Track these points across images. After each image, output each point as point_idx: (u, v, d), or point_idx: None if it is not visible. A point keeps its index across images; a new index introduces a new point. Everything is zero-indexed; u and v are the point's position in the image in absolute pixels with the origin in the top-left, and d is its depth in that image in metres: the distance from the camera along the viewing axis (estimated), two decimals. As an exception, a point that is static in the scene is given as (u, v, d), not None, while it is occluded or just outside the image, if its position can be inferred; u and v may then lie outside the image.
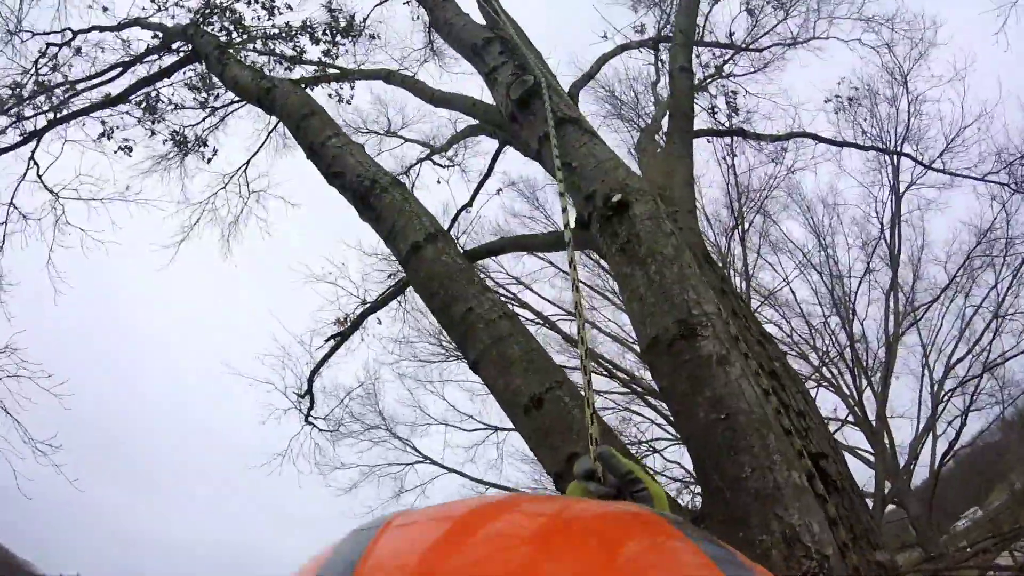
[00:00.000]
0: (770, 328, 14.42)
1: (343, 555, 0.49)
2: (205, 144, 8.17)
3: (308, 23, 8.01)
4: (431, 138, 9.72)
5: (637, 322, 2.08)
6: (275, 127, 8.05)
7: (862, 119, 12.64)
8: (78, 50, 7.04)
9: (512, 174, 14.73)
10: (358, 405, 13.71)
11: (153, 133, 7.81)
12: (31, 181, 6.93)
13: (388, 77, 7.53)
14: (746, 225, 14.26)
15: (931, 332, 14.01)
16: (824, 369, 14.27)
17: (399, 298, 9.08)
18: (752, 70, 9.74)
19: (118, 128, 7.52)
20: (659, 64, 9.06)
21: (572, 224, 2.11)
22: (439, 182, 9.43)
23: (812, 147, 11.79)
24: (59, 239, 7.36)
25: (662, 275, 2.03)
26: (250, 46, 7.66)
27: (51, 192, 7.13)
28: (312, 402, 9.30)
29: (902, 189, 13.65)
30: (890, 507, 12.94)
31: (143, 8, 7.10)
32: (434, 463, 14.57)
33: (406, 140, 9.96)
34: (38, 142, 6.67)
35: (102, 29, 7.03)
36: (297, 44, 7.99)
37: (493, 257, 12.96)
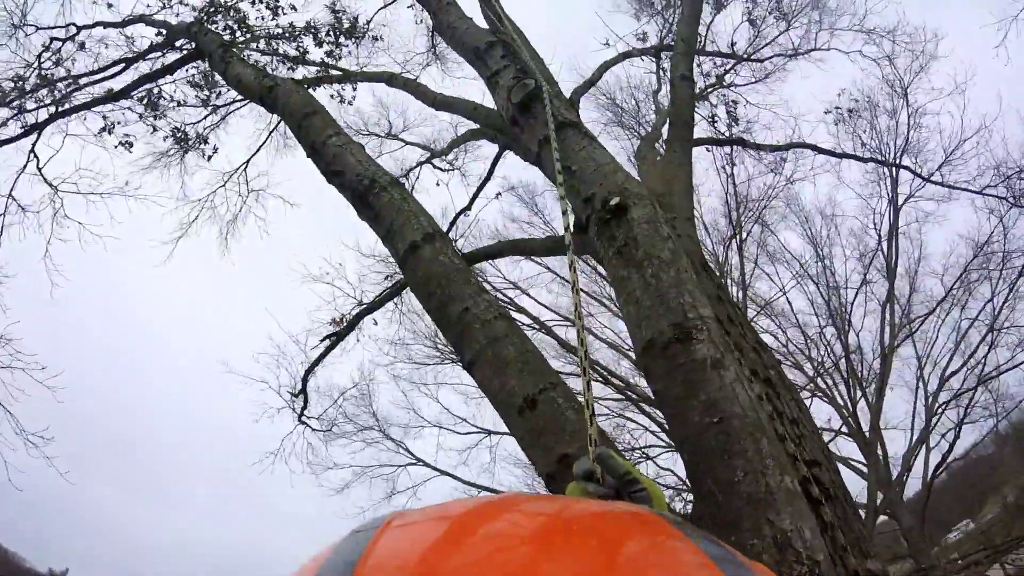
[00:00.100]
0: (766, 338, 14.42)
1: (343, 555, 0.49)
2: (206, 142, 8.17)
3: (312, 24, 8.03)
4: (432, 142, 9.75)
5: (632, 325, 2.09)
6: (276, 126, 8.06)
7: (862, 131, 12.70)
8: (82, 45, 7.05)
9: (512, 179, 14.79)
10: (352, 406, 13.71)
11: (155, 129, 7.82)
12: (31, 174, 6.93)
13: (390, 80, 7.55)
14: (744, 234, 14.31)
15: (926, 344, 14.08)
16: (819, 379, 14.29)
17: (396, 300, 9.09)
18: (753, 80, 9.79)
19: (119, 123, 7.53)
20: (660, 73, 9.10)
21: (572, 227, 2.12)
22: (438, 185, 9.45)
23: (811, 158, 11.85)
24: (57, 232, 7.36)
25: (658, 278, 2.05)
26: (253, 46, 7.67)
27: (50, 185, 7.13)
28: (306, 402, 9.29)
29: (900, 201, 13.71)
30: (882, 518, 12.96)
31: (147, 5, 7.13)
32: (427, 465, 14.56)
33: (407, 143, 9.98)
34: (39, 135, 6.67)
35: (106, 25, 7.04)
36: (300, 45, 8.01)
37: (491, 261, 12.99)
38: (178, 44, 6.46)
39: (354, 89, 8.45)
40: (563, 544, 0.48)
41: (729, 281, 13.96)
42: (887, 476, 12.65)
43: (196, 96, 7.77)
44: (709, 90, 9.15)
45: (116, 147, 7.63)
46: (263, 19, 7.80)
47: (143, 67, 6.80)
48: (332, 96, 8.36)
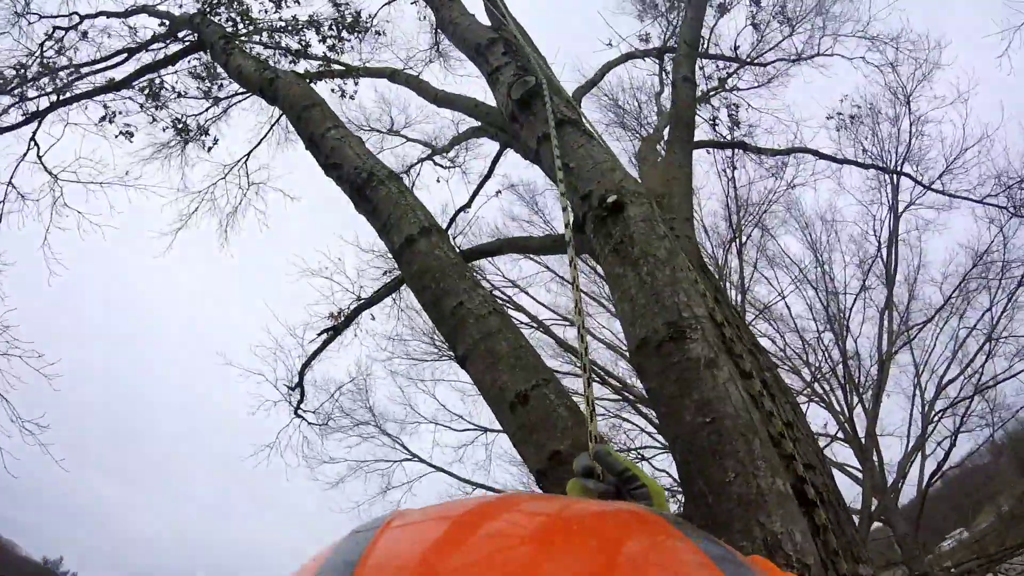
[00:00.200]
0: (764, 342, 14.45)
1: (342, 555, 0.49)
2: (207, 133, 8.17)
3: (314, 18, 8.02)
4: (433, 138, 9.76)
5: (627, 323, 2.07)
6: (277, 120, 8.07)
7: (863, 137, 12.69)
8: (84, 34, 7.06)
9: (512, 177, 14.75)
10: (348, 400, 13.74)
11: (155, 120, 7.81)
12: (31, 162, 6.94)
13: (393, 76, 7.55)
14: (744, 238, 14.30)
15: (924, 352, 14.08)
16: (816, 384, 14.29)
17: (394, 295, 9.09)
18: (756, 84, 9.80)
19: (120, 113, 7.53)
20: (663, 75, 9.11)
21: (572, 224, 2.11)
22: (438, 181, 9.46)
23: (812, 163, 11.86)
24: (56, 221, 7.37)
25: (654, 277, 2.03)
26: (256, 38, 7.67)
27: (50, 174, 7.14)
28: (302, 395, 9.30)
29: (901, 209, 13.71)
30: (877, 524, 12.96)
31: (151, -5, 7.11)
32: (422, 461, 14.58)
33: (408, 139, 10.00)
34: (40, 123, 6.68)
35: (109, 15, 7.04)
36: (303, 38, 8.01)
37: (490, 259, 12.99)
38: (180, 35, 6.46)
39: (356, 84, 8.45)
40: (563, 544, 0.48)
41: (728, 284, 13.96)
42: (882, 482, 12.65)
43: (198, 88, 7.78)
44: (712, 93, 9.15)
45: (117, 136, 7.64)
46: (266, 12, 7.80)
47: (145, 57, 6.81)
48: (333, 90, 8.37)
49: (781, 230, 15.26)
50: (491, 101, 5.07)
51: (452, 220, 8.65)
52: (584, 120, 3.08)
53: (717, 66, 9.27)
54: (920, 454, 13.04)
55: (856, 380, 13.81)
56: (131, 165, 8.21)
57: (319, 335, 8.52)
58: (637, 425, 13.86)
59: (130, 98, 7.39)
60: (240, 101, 8.11)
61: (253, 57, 4.99)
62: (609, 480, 1.01)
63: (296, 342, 9.35)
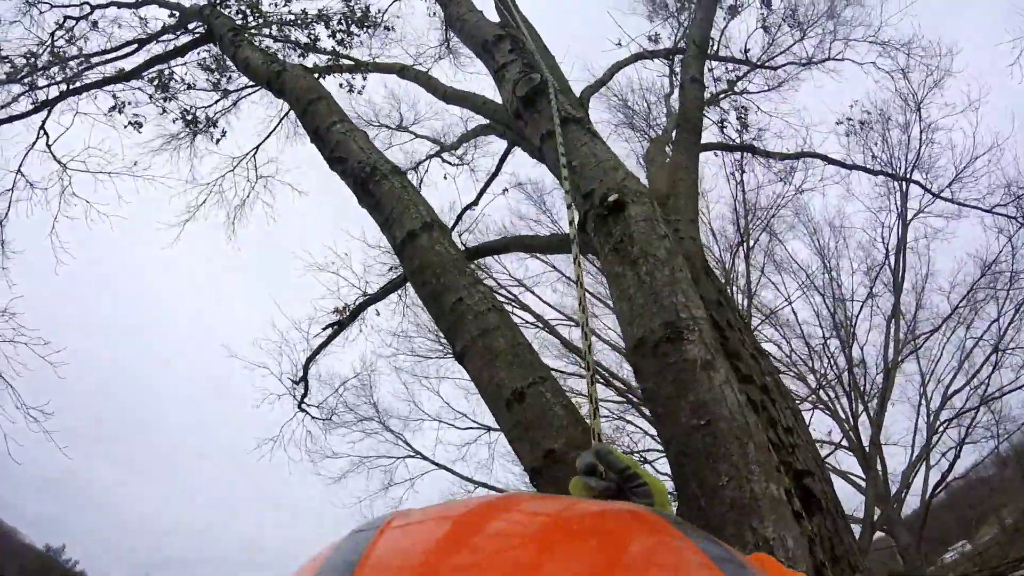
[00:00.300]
0: (770, 347, 14.41)
1: (342, 555, 0.49)
2: (215, 125, 8.19)
3: (323, 12, 8.03)
4: (442, 135, 9.75)
5: (625, 323, 2.06)
6: (286, 113, 8.07)
7: (873, 143, 12.59)
8: (95, 24, 7.08)
9: (520, 175, 14.72)
10: (352, 396, 13.72)
11: (164, 111, 7.84)
12: (40, 151, 6.97)
13: (402, 71, 7.55)
14: (751, 242, 14.23)
15: (930, 361, 13.98)
16: (821, 391, 14.22)
17: (399, 292, 9.09)
18: (767, 88, 9.73)
19: (129, 104, 7.56)
20: (673, 76, 9.05)
21: (577, 222, 2.10)
22: (445, 178, 9.45)
23: (821, 168, 11.75)
24: (64, 210, 7.39)
25: (652, 277, 2.02)
26: (265, 31, 7.68)
27: (59, 163, 7.16)
28: (306, 389, 9.32)
29: (909, 216, 13.61)
30: (879, 534, 12.88)
31: (161, -14, 7.13)
32: (425, 459, 14.57)
33: (417, 136, 9.99)
34: (49, 112, 6.71)
35: (120, 5, 7.07)
36: (312, 32, 8.01)
37: (496, 257, 12.98)
38: (190, 26, 6.47)
39: (364, 79, 8.46)
40: (563, 544, 0.47)
41: (735, 289, 13.91)
42: (886, 492, 12.58)
43: (207, 80, 7.80)
44: (722, 96, 9.10)
45: (126, 127, 7.67)
46: (275, 5, 7.82)
47: (155, 48, 6.82)
48: (341, 85, 8.37)
49: (789, 235, 15.19)
50: (500, 99, 5.06)
51: (459, 217, 8.65)
52: (588, 119, 3.07)
53: (726, 68, 9.23)
54: (924, 464, 12.97)
55: (861, 388, 13.74)
56: (140, 156, 8.24)
57: (324, 329, 8.54)
58: (640, 428, 13.83)
59: (139, 89, 7.45)
60: (250, 94, 8.13)
61: (261, 50, 4.99)
62: (611, 478, 1.01)
63: (301, 336, 9.36)
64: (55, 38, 6.91)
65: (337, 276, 9.92)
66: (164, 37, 6.77)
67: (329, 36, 8.07)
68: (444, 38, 8.79)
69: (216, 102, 8.12)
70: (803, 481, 2.84)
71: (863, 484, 12.85)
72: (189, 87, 7.76)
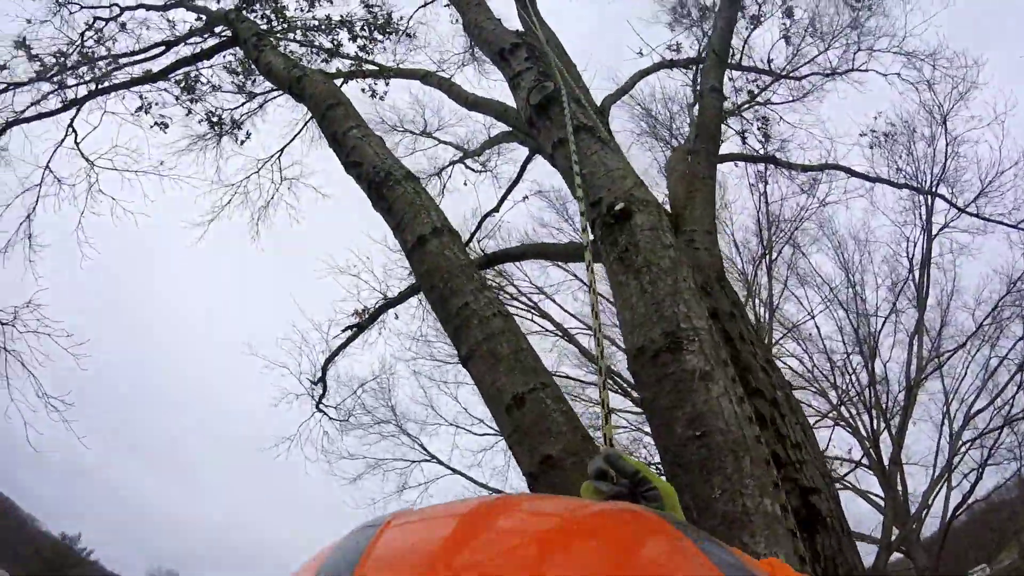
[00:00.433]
0: (791, 362, 14.23)
1: (343, 553, 0.49)
2: (240, 127, 8.31)
3: (347, 18, 8.12)
4: (466, 142, 9.79)
5: (626, 331, 2.06)
6: (312, 117, 8.15)
7: (898, 156, 12.38)
8: (123, 26, 7.23)
9: (543, 183, 14.69)
10: (370, 398, 13.77)
11: (190, 112, 7.97)
12: (68, 148, 7.11)
13: (425, 78, 7.61)
14: (775, 255, 14.08)
15: (954, 380, 13.66)
16: (842, 408, 14.00)
17: (419, 296, 9.13)
18: (791, 99, 9.63)
19: (156, 104, 7.69)
20: (696, 86, 9.00)
21: (590, 228, 2.11)
22: (465, 184, 9.48)
23: (845, 181, 11.59)
24: (91, 206, 7.54)
25: (655, 286, 2.02)
26: (290, 36, 7.79)
27: (87, 160, 7.31)
28: (325, 390, 9.39)
29: (934, 231, 13.37)
30: (897, 555, 12.64)
31: (189, -10, 7.27)
32: (440, 463, 14.53)
33: (440, 142, 10.04)
34: (78, 110, 6.85)
35: (148, 8, 7.21)
36: (335, 38, 8.11)
37: (518, 264, 12.98)
38: (216, 30, 6.58)
39: (387, 84, 8.53)
40: (564, 544, 0.47)
41: (757, 301, 13.76)
42: (904, 512, 12.35)
43: (232, 82, 7.91)
44: (743, 107, 9.04)
45: (152, 127, 7.80)
46: (300, 10, 7.92)
47: (182, 51, 6.94)
48: (363, 90, 8.44)
49: (813, 248, 14.96)
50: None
51: (480, 224, 8.68)
52: (601, 127, 3.07)
53: (747, 79, 9.15)
54: (946, 485, 12.68)
55: (883, 405, 13.50)
56: (166, 156, 8.39)
57: (343, 331, 8.61)
58: (656, 439, 13.69)
59: (166, 90, 7.58)
60: (275, 97, 8.23)
61: (283, 55, 5.07)
62: (621, 483, 1.01)
63: (321, 337, 9.43)
64: (85, 38, 7.07)
65: (358, 279, 10.00)
66: (191, 40, 6.89)
67: (351, 40, 8.16)
68: (468, 45, 8.83)
69: (242, 104, 8.25)
70: (809, 498, 2.81)
71: (882, 503, 12.63)
72: (215, 88, 7.88)
